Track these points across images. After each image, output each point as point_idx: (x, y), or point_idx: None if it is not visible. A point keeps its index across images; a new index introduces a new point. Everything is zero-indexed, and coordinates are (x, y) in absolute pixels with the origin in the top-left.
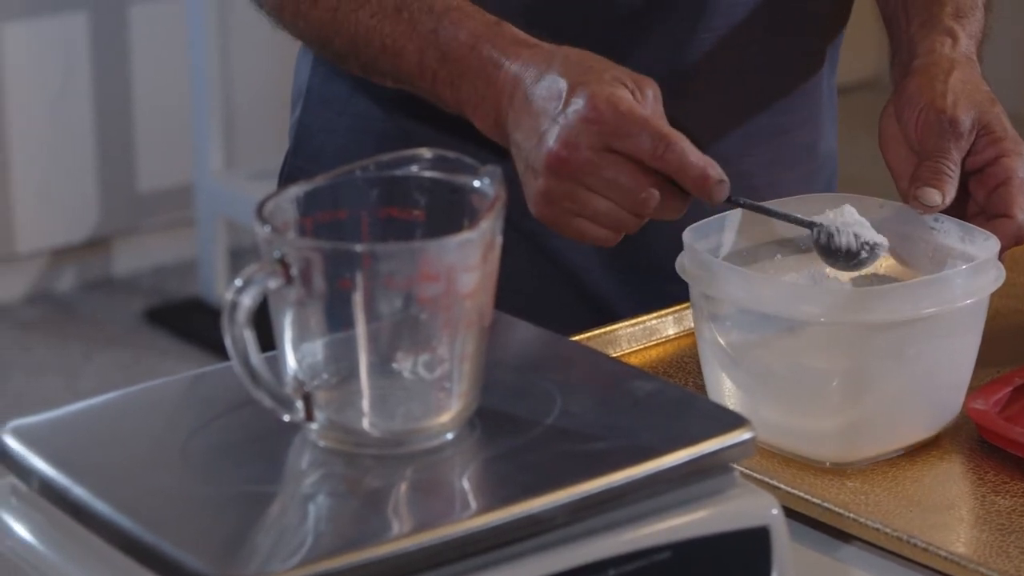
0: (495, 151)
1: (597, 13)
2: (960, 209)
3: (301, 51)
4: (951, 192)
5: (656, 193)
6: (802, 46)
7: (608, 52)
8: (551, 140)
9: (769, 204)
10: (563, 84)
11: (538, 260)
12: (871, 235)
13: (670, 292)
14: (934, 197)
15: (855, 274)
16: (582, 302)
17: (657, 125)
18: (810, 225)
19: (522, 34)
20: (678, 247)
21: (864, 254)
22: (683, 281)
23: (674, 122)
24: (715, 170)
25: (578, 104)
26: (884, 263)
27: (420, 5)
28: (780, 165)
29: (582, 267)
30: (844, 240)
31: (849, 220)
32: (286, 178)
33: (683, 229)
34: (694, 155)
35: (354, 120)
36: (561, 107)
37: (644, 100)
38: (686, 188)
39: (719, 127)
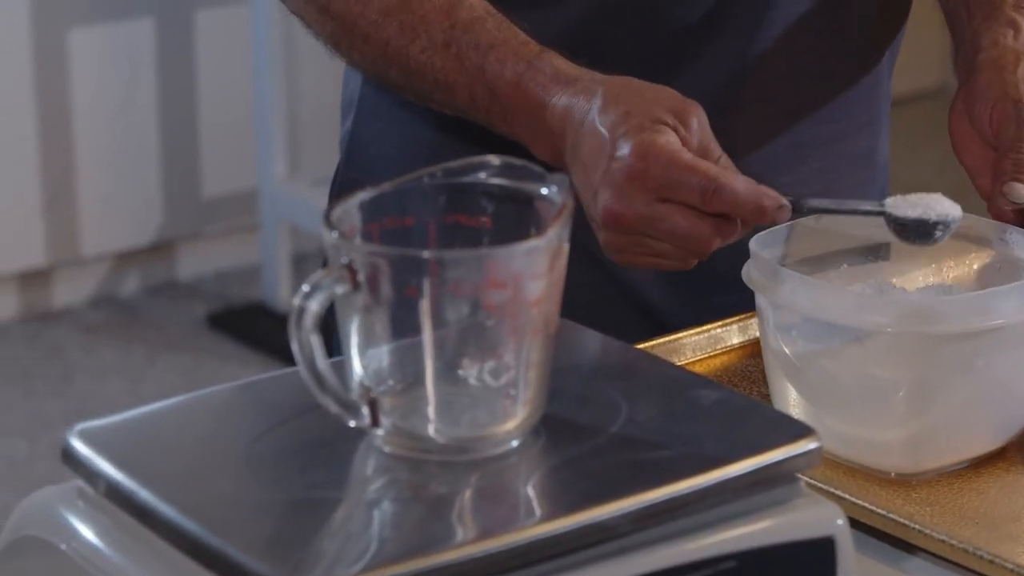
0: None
1: (649, 31)
2: None
3: None
4: None
5: (714, 235)
6: (854, 50)
7: (661, 69)
8: (604, 198)
9: (831, 202)
10: (606, 136)
11: (594, 273)
12: (943, 206)
13: (726, 303)
14: (1022, 192)
15: (927, 283)
16: (637, 314)
17: (704, 170)
18: (880, 209)
19: (564, 66)
20: (735, 259)
21: (939, 228)
22: (740, 292)
23: (727, 134)
24: (770, 199)
25: (622, 158)
26: (951, 273)
27: (468, 40)
28: (835, 173)
29: (637, 279)
30: (916, 213)
31: (916, 199)
32: (339, 189)
33: (738, 241)
34: (745, 190)
35: (406, 130)
36: (607, 162)
37: (689, 132)
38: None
39: (772, 137)
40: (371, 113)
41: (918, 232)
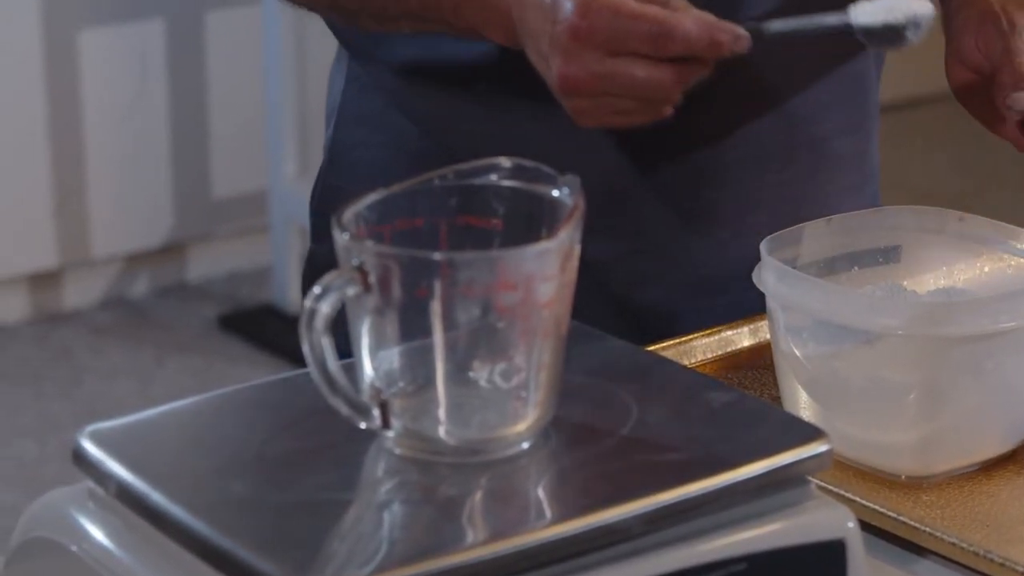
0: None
1: None
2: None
3: (334, 68)
4: None
5: (675, 80)
6: (839, 52)
7: None
8: (555, 64)
9: (793, 21)
10: (547, 1)
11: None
12: (909, 5)
13: (715, 307)
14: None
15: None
16: (624, 320)
17: (651, 15)
18: (845, 21)
19: None
20: (725, 262)
21: (909, 29)
22: (730, 293)
23: (715, 136)
24: (724, 32)
25: (565, 19)
26: (962, 276)
27: None
28: (824, 174)
29: (623, 282)
30: (882, 17)
31: (881, 2)
32: (320, 196)
33: (724, 242)
34: (696, 28)
35: (388, 137)
36: (551, 27)
37: None
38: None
39: (760, 138)
40: (353, 119)
41: (889, 37)
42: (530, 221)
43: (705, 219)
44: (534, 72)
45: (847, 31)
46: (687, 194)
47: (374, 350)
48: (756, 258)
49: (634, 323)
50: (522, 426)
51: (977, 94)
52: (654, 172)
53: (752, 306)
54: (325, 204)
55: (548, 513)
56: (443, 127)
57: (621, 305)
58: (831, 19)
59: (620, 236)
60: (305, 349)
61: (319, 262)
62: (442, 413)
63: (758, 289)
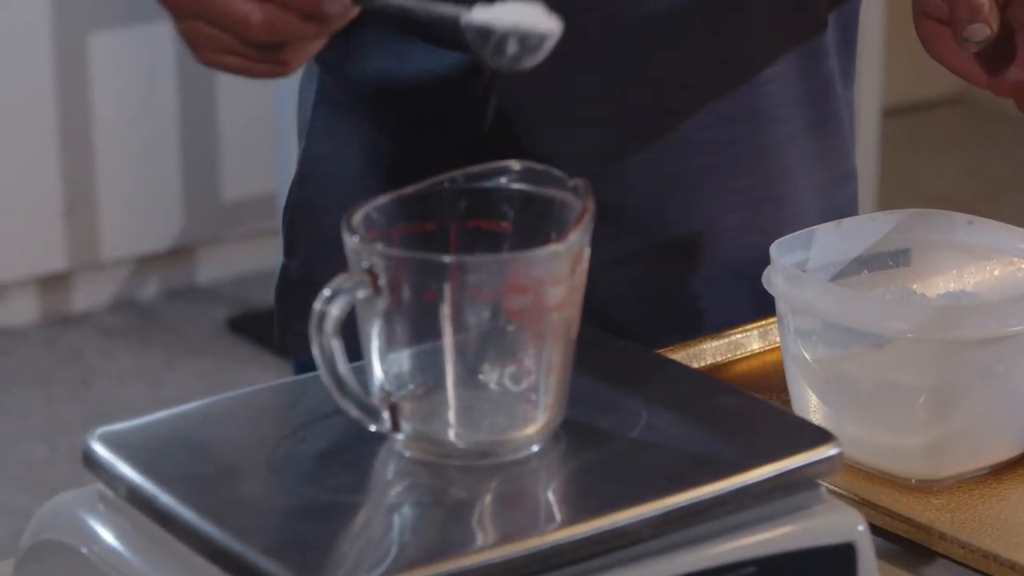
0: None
1: (606, 33)
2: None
3: (304, 81)
4: (995, 19)
5: (263, 23)
6: (802, 49)
7: (619, 72)
8: None
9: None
10: None
11: None
12: (529, 18)
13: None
14: (981, 31)
15: (948, 289)
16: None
17: None
18: (455, 14)
19: None
20: (705, 272)
21: (510, 41)
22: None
23: (688, 137)
24: None
25: None
26: (972, 280)
27: None
28: (798, 172)
29: (603, 296)
30: (483, 19)
31: (512, 7)
32: (293, 210)
33: (703, 255)
34: None
35: (362, 150)
36: None
37: None
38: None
39: (732, 138)
40: (324, 133)
41: (493, 44)
42: (540, 224)
43: (679, 223)
44: (507, 85)
45: (454, 25)
46: (658, 199)
47: (384, 353)
48: (731, 260)
49: (611, 331)
50: (532, 429)
51: (947, 44)
52: (625, 180)
53: (731, 308)
54: (297, 218)
55: (558, 516)
56: (417, 138)
57: (594, 312)
58: (447, 9)
59: (593, 243)
60: (315, 352)
61: (292, 276)
62: (452, 416)
63: (735, 293)
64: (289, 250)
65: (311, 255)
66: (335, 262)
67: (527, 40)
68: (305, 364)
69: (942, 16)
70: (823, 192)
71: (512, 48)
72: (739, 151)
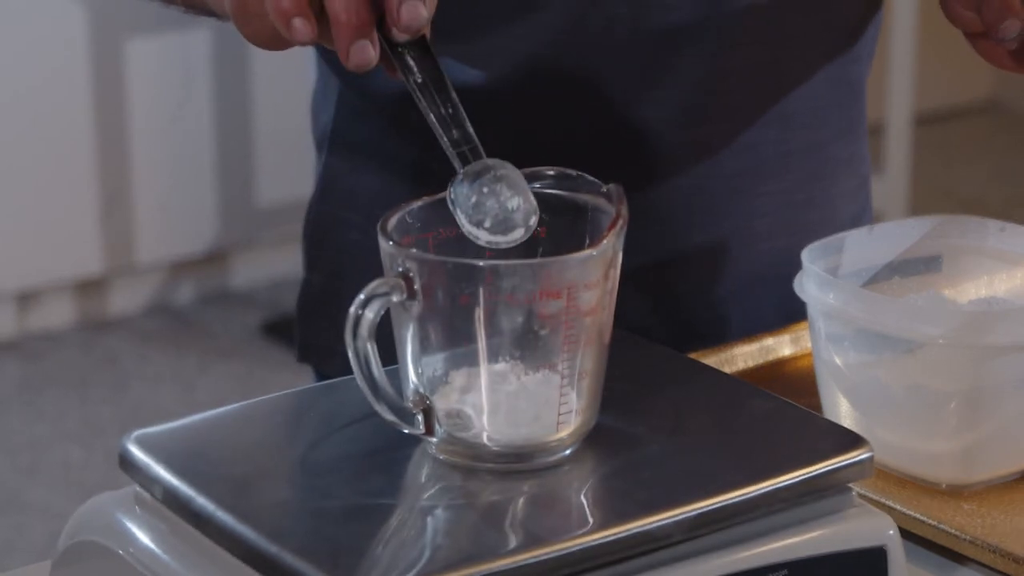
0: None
1: (627, 42)
2: None
3: (319, 93)
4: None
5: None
6: (831, 55)
7: (640, 79)
8: None
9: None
10: None
11: None
12: (519, 200)
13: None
14: (1014, 25)
15: (979, 295)
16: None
17: None
18: (462, 161)
19: None
20: (732, 277)
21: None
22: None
23: (711, 144)
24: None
25: None
26: (1004, 286)
27: None
28: (821, 181)
29: (635, 301)
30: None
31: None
32: (314, 225)
33: (731, 259)
34: None
35: (385, 162)
36: None
37: None
38: None
39: (756, 146)
40: (346, 146)
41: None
42: (573, 229)
43: (708, 228)
44: (526, 95)
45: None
46: (688, 205)
47: (418, 356)
48: (758, 265)
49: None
50: (565, 433)
51: (980, 31)
52: (652, 186)
53: (758, 313)
54: (320, 232)
55: (590, 519)
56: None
57: (620, 317)
58: (453, 156)
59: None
60: (350, 355)
61: (314, 291)
62: (485, 419)
63: (762, 297)
64: (311, 264)
65: (335, 269)
66: (360, 274)
67: (512, 221)
68: (327, 378)
69: (973, 4)
70: (848, 197)
71: (483, 236)
72: (768, 156)
